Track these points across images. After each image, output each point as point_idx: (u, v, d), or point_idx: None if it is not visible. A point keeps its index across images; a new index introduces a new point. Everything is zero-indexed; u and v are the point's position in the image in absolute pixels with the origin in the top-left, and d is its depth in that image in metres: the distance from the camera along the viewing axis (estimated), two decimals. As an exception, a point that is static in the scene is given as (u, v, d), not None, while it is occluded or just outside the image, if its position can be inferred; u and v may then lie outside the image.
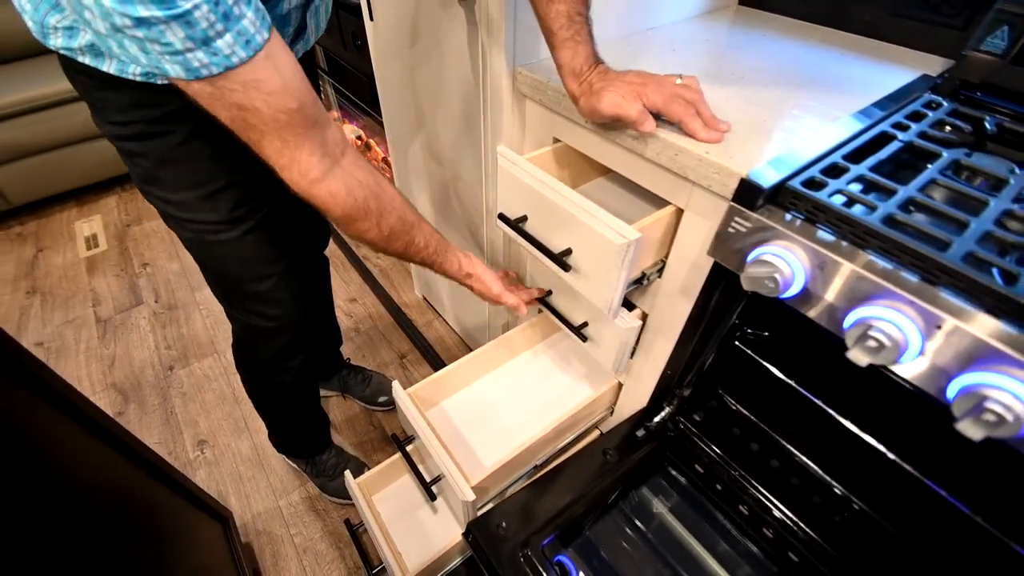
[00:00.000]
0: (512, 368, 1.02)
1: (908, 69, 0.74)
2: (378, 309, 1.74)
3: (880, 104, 0.64)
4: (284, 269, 0.83)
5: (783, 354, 0.71)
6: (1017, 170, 0.52)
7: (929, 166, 0.52)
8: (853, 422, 0.66)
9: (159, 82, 0.59)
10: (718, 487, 0.72)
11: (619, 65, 0.63)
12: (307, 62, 0.80)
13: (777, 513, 0.68)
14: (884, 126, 0.59)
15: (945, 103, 0.63)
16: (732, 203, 0.52)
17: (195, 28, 0.42)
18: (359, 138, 1.82)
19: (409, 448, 0.88)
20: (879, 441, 0.64)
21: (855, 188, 0.50)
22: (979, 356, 0.39)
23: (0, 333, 0.51)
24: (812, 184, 0.50)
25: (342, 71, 1.66)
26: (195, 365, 1.57)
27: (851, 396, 0.66)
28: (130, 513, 0.71)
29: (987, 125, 0.59)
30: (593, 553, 0.70)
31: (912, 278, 0.42)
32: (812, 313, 0.49)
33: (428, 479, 0.81)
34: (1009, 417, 0.36)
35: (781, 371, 0.71)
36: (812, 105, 0.65)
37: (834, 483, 0.69)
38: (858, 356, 0.43)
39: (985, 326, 0.38)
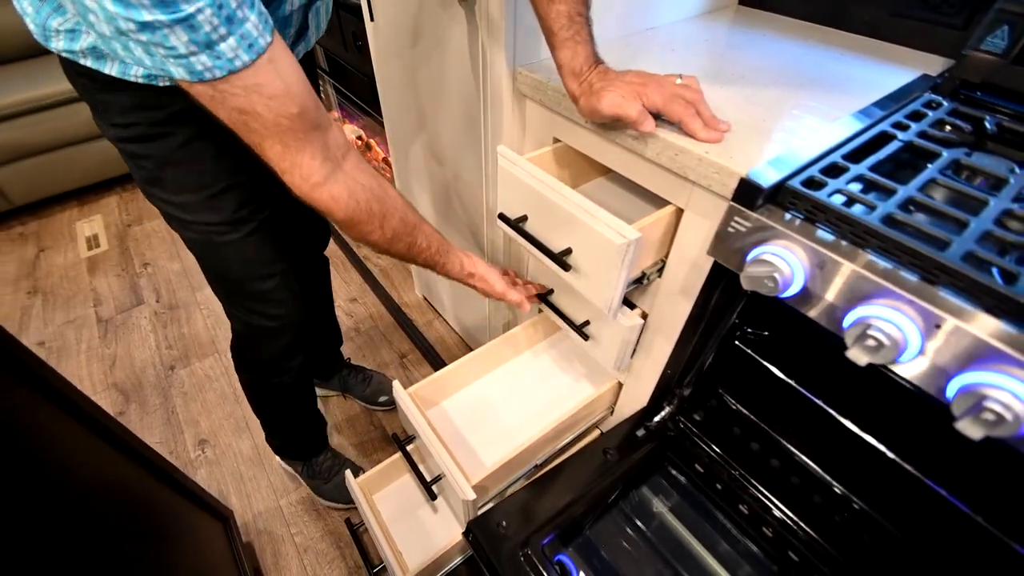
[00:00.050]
0: (512, 368, 1.02)
1: (908, 69, 0.74)
2: (379, 309, 1.74)
3: (880, 104, 0.64)
4: (286, 269, 0.83)
5: (783, 354, 0.71)
6: (1017, 170, 0.52)
7: (929, 166, 0.52)
8: (853, 421, 0.66)
9: (161, 84, 0.59)
10: (718, 486, 0.72)
11: (619, 65, 0.63)
12: (307, 62, 0.80)
13: (777, 512, 0.68)
14: (884, 126, 0.59)
15: (945, 103, 0.63)
16: (732, 203, 0.52)
17: (198, 32, 0.42)
18: (359, 138, 1.82)
19: (409, 448, 0.88)
20: (879, 440, 0.64)
21: (855, 188, 0.50)
22: (978, 355, 0.39)
23: (1, 332, 0.51)
24: (812, 184, 0.50)
25: (342, 71, 1.66)
26: (196, 365, 1.57)
27: (851, 395, 0.66)
28: (131, 512, 0.71)
29: (987, 125, 0.59)
30: (593, 552, 0.71)
31: (912, 277, 0.42)
32: (812, 312, 0.49)
33: (428, 478, 0.81)
34: (1008, 416, 0.36)
35: (781, 371, 0.71)
36: (812, 105, 0.65)
37: (834, 482, 0.69)
38: (858, 355, 0.43)
39: (985, 325, 0.38)
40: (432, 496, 0.83)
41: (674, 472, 0.76)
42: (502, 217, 0.75)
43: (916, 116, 0.60)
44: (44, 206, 2.22)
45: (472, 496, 0.72)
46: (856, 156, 0.54)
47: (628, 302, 0.77)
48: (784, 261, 0.47)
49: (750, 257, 0.50)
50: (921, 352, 0.42)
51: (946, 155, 0.53)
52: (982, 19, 0.62)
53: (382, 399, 1.41)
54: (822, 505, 0.68)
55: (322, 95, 1.92)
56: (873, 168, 0.52)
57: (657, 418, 0.80)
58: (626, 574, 0.69)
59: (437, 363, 1.54)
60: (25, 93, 1.93)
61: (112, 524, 0.64)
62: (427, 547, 0.86)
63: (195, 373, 1.55)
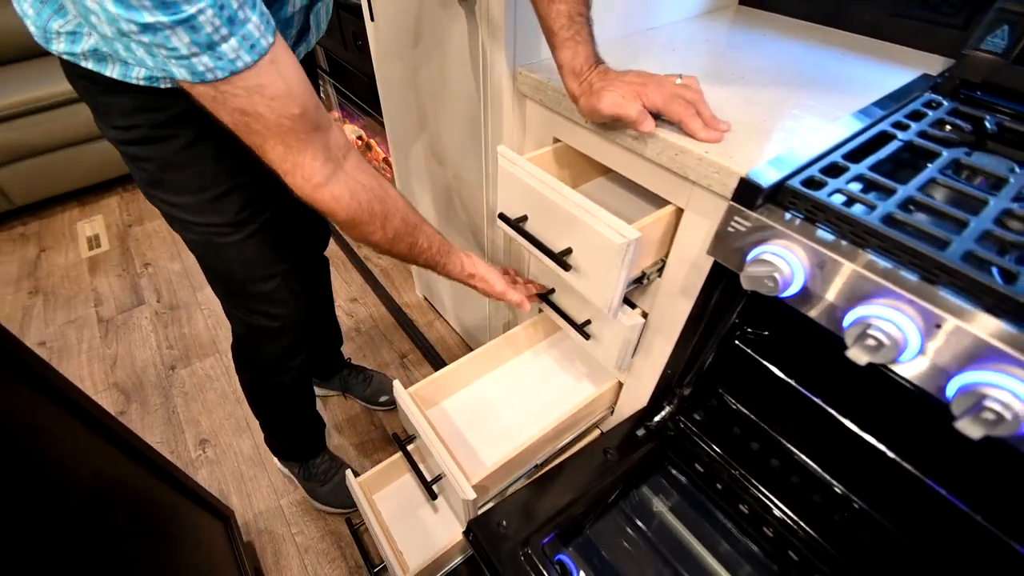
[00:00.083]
0: (512, 367, 1.02)
1: (908, 68, 0.74)
2: (379, 309, 1.74)
3: (880, 103, 0.64)
4: (287, 270, 0.83)
5: (783, 353, 0.71)
6: (1017, 169, 0.52)
7: (929, 165, 0.52)
8: (853, 421, 0.66)
9: (162, 86, 0.59)
10: (718, 486, 0.72)
11: (619, 65, 0.63)
12: (308, 62, 0.80)
13: (777, 512, 0.68)
14: (884, 125, 0.59)
15: (945, 102, 0.63)
16: (732, 202, 0.52)
17: (200, 33, 0.42)
18: (360, 138, 1.83)
19: (410, 447, 0.88)
20: (879, 440, 0.64)
21: (855, 187, 0.50)
22: (978, 355, 0.39)
23: (2, 331, 0.52)
24: (812, 183, 0.50)
25: (343, 71, 1.66)
26: (197, 365, 1.57)
27: (851, 395, 0.66)
28: (132, 512, 0.71)
29: (987, 124, 0.59)
30: (593, 552, 0.71)
31: (912, 277, 0.42)
32: (812, 312, 0.49)
33: (429, 478, 0.81)
34: (1008, 415, 0.36)
35: (781, 370, 0.71)
36: (812, 105, 0.65)
37: (834, 482, 0.69)
38: (857, 355, 0.43)
39: (984, 325, 0.38)
40: (432, 496, 0.83)
41: (674, 472, 0.77)
42: (502, 217, 0.75)
43: (916, 116, 0.60)
44: (45, 206, 2.22)
45: (472, 496, 0.72)
46: (856, 156, 0.54)
47: (628, 301, 0.77)
48: (784, 261, 0.47)
49: (750, 257, 0.50)
50: (921, 352, 0.42)
51: (946, 155, 0.53)
52: (982, 19, 0.62)
53: (383, 399, 1.41)
54: (822, 505, 0.68)
55: (322, 95, 1.92)
56: (873, 168, 0.52)
57: (657, 418, 0.80)
58: (626, 574, 0.69)
59: (437, 363, 1.55)
60: (25, 94, 1.93)
61: (113, 523, 0.64)
62: (427, 547, 0.86)
63: (196, 373, 1.55)
